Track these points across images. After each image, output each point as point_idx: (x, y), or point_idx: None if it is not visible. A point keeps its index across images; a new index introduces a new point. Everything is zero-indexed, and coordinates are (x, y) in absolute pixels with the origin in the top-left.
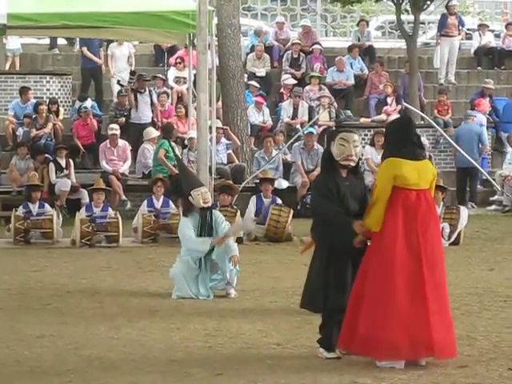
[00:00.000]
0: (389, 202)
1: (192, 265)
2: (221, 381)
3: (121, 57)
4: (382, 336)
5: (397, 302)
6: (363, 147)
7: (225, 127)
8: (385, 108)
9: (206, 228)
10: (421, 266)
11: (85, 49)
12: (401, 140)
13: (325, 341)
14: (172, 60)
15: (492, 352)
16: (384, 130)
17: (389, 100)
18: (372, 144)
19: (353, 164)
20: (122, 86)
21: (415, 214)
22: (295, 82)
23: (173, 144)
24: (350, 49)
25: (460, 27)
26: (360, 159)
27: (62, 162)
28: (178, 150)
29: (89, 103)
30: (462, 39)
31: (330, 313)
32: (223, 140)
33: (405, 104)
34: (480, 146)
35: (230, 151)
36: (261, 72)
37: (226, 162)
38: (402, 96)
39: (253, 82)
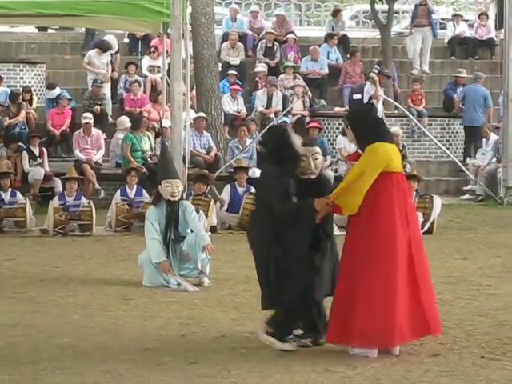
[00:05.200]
0: (381, 186)
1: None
2: (194, 369)
3: (100, 65)
4: (388, 324)
5: (398, 287)
6: (336, 137)
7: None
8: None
9: (172, 219)
10: (410, 247)
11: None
12: (378, 124)
13: (283, 332)
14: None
15: (465, 340)
16: (352, 118)
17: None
18: (344, 134)
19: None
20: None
21: (404, 196)
22: (264, 69)
23: (148, 134)
24: (328, 38)
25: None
26: (334, 149)
27: (36, 151)
28: (152, 139)
29: (57, 91)
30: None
31: (298, 305)
32: (206, 135)
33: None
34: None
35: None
36: (235, 61)
37: (205, 153)
38: None
39: (232, 71)
